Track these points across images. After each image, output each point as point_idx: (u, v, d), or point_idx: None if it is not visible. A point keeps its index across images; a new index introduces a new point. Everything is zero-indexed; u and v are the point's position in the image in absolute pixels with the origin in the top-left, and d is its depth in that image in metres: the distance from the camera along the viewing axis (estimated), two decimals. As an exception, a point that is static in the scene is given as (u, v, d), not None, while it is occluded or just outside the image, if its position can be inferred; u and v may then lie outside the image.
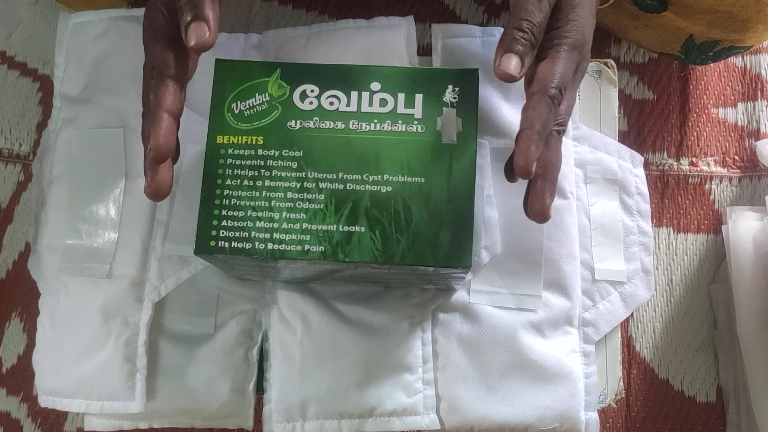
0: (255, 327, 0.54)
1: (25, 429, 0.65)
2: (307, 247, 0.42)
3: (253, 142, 0.44)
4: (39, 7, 0.71)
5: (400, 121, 0.44)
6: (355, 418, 0.51)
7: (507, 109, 0.54)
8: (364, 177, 0.43)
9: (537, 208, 0.43)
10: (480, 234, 0.52)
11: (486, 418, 0.51)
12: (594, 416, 0.53)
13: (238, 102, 0.44)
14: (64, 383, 0.52)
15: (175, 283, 0.52)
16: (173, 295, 0.53)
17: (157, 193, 0.42)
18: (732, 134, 0.70)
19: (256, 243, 0.42)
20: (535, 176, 0.42)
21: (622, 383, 0.57)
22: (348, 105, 0.44)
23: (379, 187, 0.43)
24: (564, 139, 0.56)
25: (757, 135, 0.70)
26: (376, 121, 0.44)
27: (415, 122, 0.44)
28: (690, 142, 0.70)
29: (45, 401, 0.54)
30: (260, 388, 0.54)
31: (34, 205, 0.60)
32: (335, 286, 0.53)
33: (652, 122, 0.70)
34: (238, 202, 0.43)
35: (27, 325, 0.66)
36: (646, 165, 0.65)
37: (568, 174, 0.55)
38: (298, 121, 0.44)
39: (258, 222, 0.43)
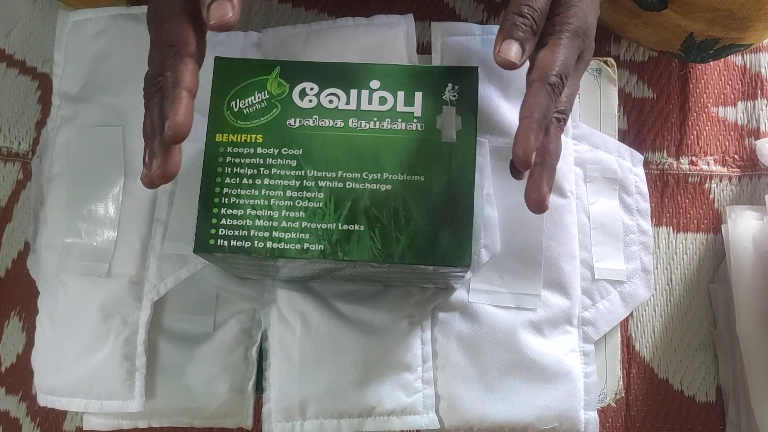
0: (254, 326, 0.54)
1: (24, 428, 0.65)
2: (306, 245, 0.42)
3: (253, 141, 0.44)
4: (38, 5, 0.71)
5: (399, 120, 0.44)
6: (354, 418, 0.51)
7: (507, 108, 0.54)
8: (364, 175, 0.43)
9: (534, 197, 0.41)
10: (479, 233, 0.52)
11: (485, 417, 0.51)
12: (593, 416, 0.53)
13: (238, 100, 0.44)
14: (63, 382, 0.52)
15: (174, 282, 0.52)
16: (172, 293, 0.53)
17: (166, 176, 0.40)
18: (732, 133, 0.70)
19: (256, 241, 0.42)
20: (534, 164, 0.41)
21: (621, 383, 0.57)
22: (347, 103, 0.44)
23: (378, 185, 0.43)
24: (564, 137, 0.56)
25: (756, 134, 0.70)
26: (375, 119, 0.44)
27: (415, 120, 0.44)
28: (690, 141, 0.70)
29: (44, 400, 0.53)
30: (259, 387, 0.54)
31: (33, 203, 0.60)
32: (334, 285, 0.53)
33: (652, 121, 0.70)
34: (237, 200, 0.43)
35: (26, 324, 0.66)
36: (646, 164, 0.65)
37: (568, 173, 0.55)
38: (298, 120, 0.44)
39: (257, 220, 0.43)
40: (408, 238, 0.42)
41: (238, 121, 0.44)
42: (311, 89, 0.44)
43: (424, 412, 0.51)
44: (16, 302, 0.66)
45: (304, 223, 0.42)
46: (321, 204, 0.43)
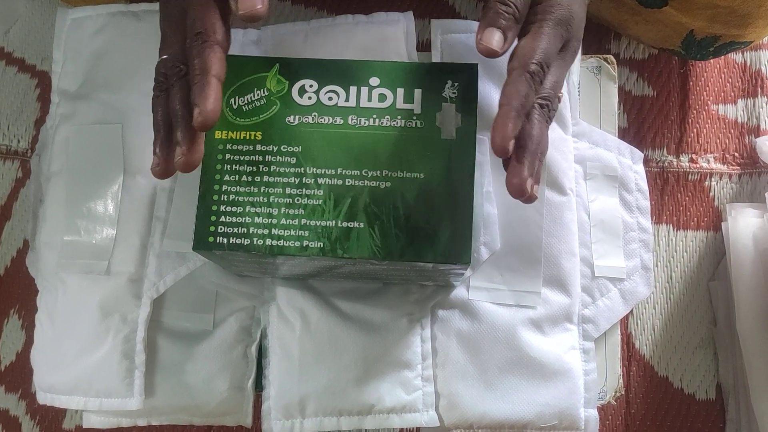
0: (254, 324, 0.54)
1: (24, 426, 0.65)
2: (305, 243, 0.42)
3: (252, 138, 0.44)
4: (37, 2, 0.71)
5: (399, 117, 0.44)
6: (354, 415, 0.51)
7: (506, 105, 0.54)
8: (363, 173, 0.43)
9: (515, 182, 0.40)
10: (479, 230, 0.52)
11: (485, 415, 0.51)
12: (593, 413, 0.53)
13: (237, 97, 0.44)
14: (62, 380, 0.52)
15: (173, 280, 0.52)
16: (172, 291, 0.53)
17: (191, 164, 0.40)
18: (732, 131, 0.70)
19: (255, 239, 0.42)
20: (514, 150, 0.40)
21: (621, 380, 0.57)
22: (347, 100, 0.44)
23: (378, 182, 0.43)
24: (564, 134, 0.56)
25: (757, 132, 0.70)
26: (375, 116, 0.44)
27: (414, 117, 0.44)
28: (690, 139, 0.70)
29: (43, 398, 0.53)
30: (259, 385, 0.54)
31: (32, 201, 0.60)
32: (334, 283, 0.53)
33: (652, 118, 0.70)
34: (236, 197, 0.43)
35: (25, 322, 0.66)
36: (646, 162, 0.64)
37: (568, 170, 0.55)
38: (297, 117, 0.44)
39: (256, 218, 0.42)
40: (407, 236, 0.42)
41: (238, 119, 0.44)
42: (310, 86, 0.44)
43: (423, 409, 0.51)
44: (16, 300, 0.66)
45: (303, 221, 0.42)
46: (320, 201, 0.43)
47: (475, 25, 0.57)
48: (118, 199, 0.53)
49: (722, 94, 0.71)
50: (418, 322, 0.52)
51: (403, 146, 0.43)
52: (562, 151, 0.55)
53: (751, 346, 0.60)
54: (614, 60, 0.61)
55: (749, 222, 0.64)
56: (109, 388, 0.51)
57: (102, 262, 0.52)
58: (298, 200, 0.43)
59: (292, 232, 0.42)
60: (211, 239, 0.42)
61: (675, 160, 0.69)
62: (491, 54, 0.41)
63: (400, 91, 0.44)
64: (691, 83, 0.71)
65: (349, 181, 0.43)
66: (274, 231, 0.42)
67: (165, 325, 0.53)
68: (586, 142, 0.58)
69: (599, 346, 0.56)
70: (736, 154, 0.70)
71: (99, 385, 0.51)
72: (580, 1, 0.45)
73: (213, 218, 0.43)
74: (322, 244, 0.42)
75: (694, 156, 0.69)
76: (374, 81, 0.44)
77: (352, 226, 0.42)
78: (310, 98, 0.44)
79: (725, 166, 0.69)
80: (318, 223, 0.42)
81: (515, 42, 0.43)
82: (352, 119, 0.44)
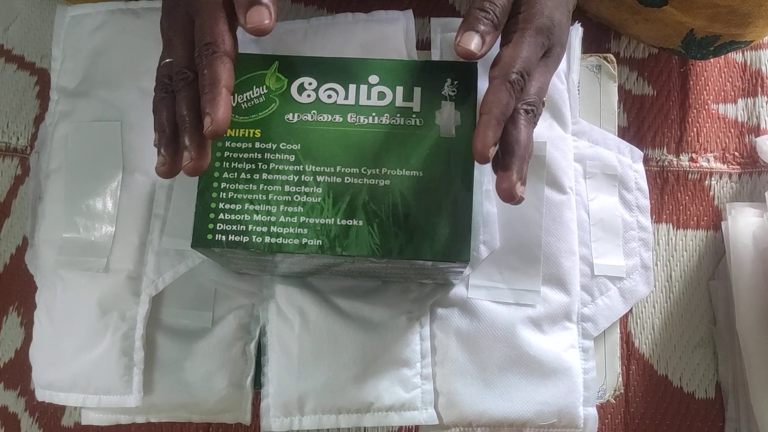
0: (252, 321, 0.54)
1: (23, 423, 0.65)
2: (304, 240, 0.42)
3: (251, 135, 0.44)
4: (36, 0, 0.71)
5: (398, 115, 0.44)
6: (352, 413, 0.51)
7: (506, 104, 0.54)
8: (362, 170, 0.43)
9: (504, 186, 0.41)
10: (479, 229, 0.52)
11: (484, 413, 0.51)
12: (593, 412, 0.53)
13: (236, 95, 0.44)
14: (61, 377, 0.52)
15: (172, 277, 0.52)
16: (170, 289, 0.53)
17: (199, 169, 0.41)
18: (732, 130, 0.70)
19: (253, 236, 0.42)
20: (502, 155, 0.41)
21: (620, 379, 0.57)
22: (346, 98, 0.44)
23: (377, 180, 0.43)
24: (563, 133, 0.56)
25: (757, 131, 0.70)
26: (374, 114, 0.44)
27: (414, 116, 0.44)
28: (690, 138, 0.70)
29: (42, 395, 0.53)
30: (258, 383, 0.54)
31: (31, 198, 0.60)
32: (333, 281, 0.53)
33: (652, 118, 0.70)
34: (235, 195, 0.43)
35: (24, 320, 0.66)
36: (646, 161, 0.64)
37: (567, 169, 0.55)
38: (296, 114, 0.44)
39: (255, 215, 0.42)
40: (406, 234, 0.42)
41: (237, 116, 0.44)
42: (310, 84, 0.44)
43: (422, 407, 0.51)
44: (15, 297, 0.66)
45: (302, 218, 0.42)
46: (319, 199, 0.42)
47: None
48: (117, 196, 0.53)
49: (722, 93, 0.71)
50: (417, 320, 0.52)
51: (403, 144, 0.43)
52: (561, 150, 0.55)
53: (751, 345, 0.60)
54: (614, 59, 0.61)
55: (749, 221, 0.64)
56: (107, 385, 0.51)
57: (101, 259, 0.52)
58: (297, 198, 0.43)
59: (291, 230, 0.42)
60: (209, 237, 0.42)
61: (675, 159, 0.69)
62: (469, 56, 0.42)
63: (400, 89, 0.44)
64: (691, 82, 0.71)
65: (348, 179, 0.43)
66: (273, 228, 0.42)
67: (164, 323, 0.53)
68: (586, 140, 0.58)
69: (599, 344, 0.56)
70: (736, 154, 0.70)
71: (97, 382, 0.51)
72: (563, 9, 0.45)
73: (212, 216, 0.42)
74: (321, 241, 0.42)
75: (694, 155, 0.69)
76: (373, 79, 0.44)
77: (351, 223, 0.42)
78: (309, 96, 0.44)
79: (725, 165, 0.69)
80: (317, 221, 0.42)
81: (495, 47, 0.44)
82: (351, 117, 0.44)
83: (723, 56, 0.70)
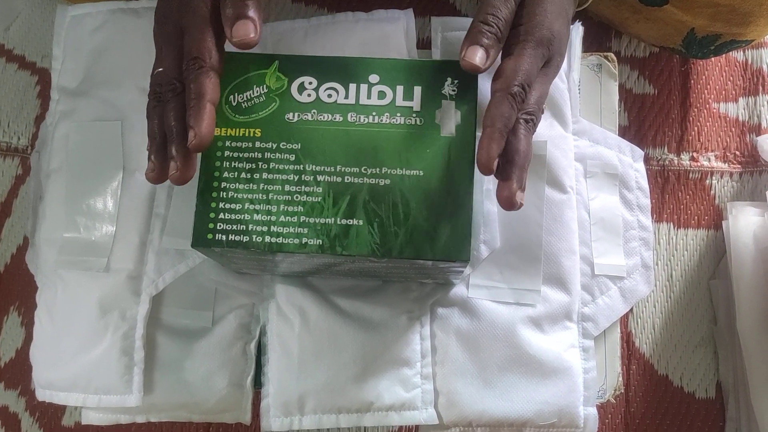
0: (253, 321, 0.54)
1: (23, 423, 0.65)
2: (304, 240, 0.42)
3: (251, 135, 0.44)
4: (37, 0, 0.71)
5: (398, 114, 0.44)
6: (353, 413, 0.51)
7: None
8: (363, 170, 0.43)
9: (505, 194, 0.42)
10: (479, 228, 0.52)
11: (484, 412, 0.51)
12: (593, 411, 0.53)
13: (236, 94, 0.44)
14: (61, 377, 0.52)
15: (172, 277, 0.52)
16: (171, 288, 0.53)
17: (185, 179, 0.42)
18: (733, 129, 0.70)
19: (254, 236, 0.42)
20: (503, 164, 0.43)
21: (621, 379, 0.57)
22: (346, 97, 0.44)
23: (377, 180, 0.43)
24: (564, 132, 0.56)
25: (758, 130, 0.70)
26: (374, 113, 0.44)
27: (414, 115, 0.44)
28: (691, 137, 0.70)
29: (42, 395, 0.53)
30: (258, 383, 0.54)
31: (32, 198, 0.60)
32: (333, 280, 0.53)
33: (653, 117, 0.70)
34: (235, 194, 0.43)
35: (25, 319, 0.66)
36: (647, 160, 0.64)
37: (568, 168, 0.55)
38: (296, 114, 0.44)
39: (255, 215, 0.42)
40: (407, 233, 0.42)
41: (237, 116, 0.44)
42: (310, 83, 0.44)
43: (422, 407, 0.51)
44: (15, 297, 0.66)
45: (302, 218, 0.42)
46: (319, 198, 0.42)
47: (476, 22, 0.57)
48: (118, 196, 0.53)
49: (723, 92, 0.71)
50: (417, 319, 0.52)
51: (403, 143, 0.43)
52: (562, 149, 0.55)
53: (752, 344, 0.60)
54: (615, 58, 0.61)
55: (750, 220, 0.64)
56: (107, 385, 0.51)
57: (101, 259, 0.52)
58: (297, 197, 0.43)
59: (291, 230, 0.42)
60: (210, 236, 0.42)
61: (676, 158, 0.69)
62: (474, 70, 0.43)
63: (400, 89, 0.44)
64: (692, 81, 0.71)
65: (348, 179, 0.43)
66: (273, 228, 0.42)
67: (164, 322, 0.53)
68: (587, 140, 0.58)
69: (599, 344, 0.56)
70: (737, 153, 0.70)
71: (98, 381, 0.51)
72: (563, 19, 0.46)
73: (212, 215, 0.42)
74: (321, 241, 0.42)
75: (694, 154, 0.69)
76: (374, 78, 0.44)
77: (351, 223, 0.42)
78: (309, 95, 0.44)
79: (726, 164, 0.69)
80: (317, 221, 0.42)
81: (498, 59, 0.45)
82: (351, 116, 0.44)
83: (724, 55, 0.70)
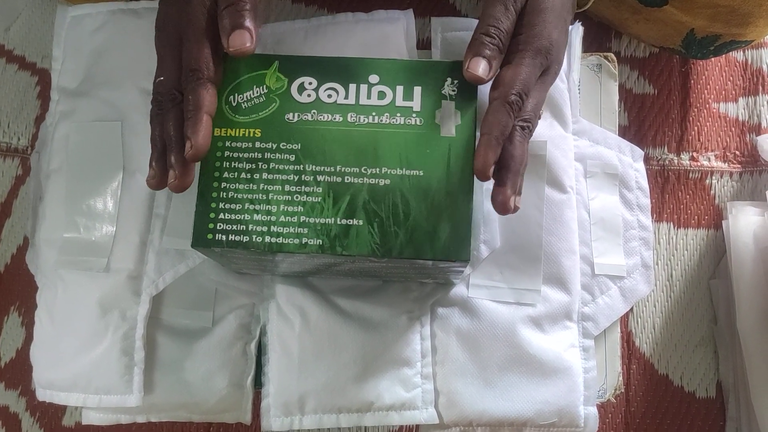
0: (253, 321, 0.54)
1: (24, 423, 0.65)
2: (304, 240, 0.42)
3: (251, 135, 0.44)
4: (37, 0, 0.71)
5: (398, 114, 0.44)
6: (353, 413, 0.51)
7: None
8: (363, 170, 0.43)
9: (499, 200, 0.43)
10: (479, 228, 0.52)
11: (485, 412, 0.51)
12: (593, 411, 0.53)
13: (236, 94, 0.44)
14: (61, 377, 0.52)
15: (172, 277, 0.52)
16: (171, 289, 0.53)
17: (183, 187, 0.43)
18: (733, 129, 0.70)
19: (254, 236, 0.42)
20: (498, 170, 0.43)
21: (621, 378, 0.57)
22: (346, 98, 0.44)
23: (377, 180, 0.43)
24: (564, 132, 0.56)
25: (758, 130, 0.70)
26: (374, 113, 0.44)
27: (414, 115, 0.44)
28: (690, 137, 0.70)
29: (42, 395, 0.53)
30: (258, 383, 0.54)
31: (32, 198, 0.60)
32: (334, 281, 0.53)
33: (653, 117, 0.70)
34: (235, 195, 0.43)
35: (25, 319, 0.66)
36: (647, 160, 0.64)
37: (568, 168, 0.55)
38: (296, 114, 0.44)
39: (255, 215, 0.42)
40: (407, 233, 0.42)
41: (237, 116, 0.44)
42: (310, 84, 0.44)
43: (423, 407, 0.51)
44: (16, 297, 0.66)
45: (302, 218, 0.42)
46: (319, 198, 0.42)
47: (476, 23, 0.57)
48: (118, 196, 0.53)
49: (723, 92, 0.71)
50: (417, 319, 0.52)
51: (403, 144, 0.43)
52: (562, 149, 0.55)
53: (752, 344, 0.60)
54: (615, 58, 0.61)
55: (750, 220, 0.64)
56: (108, 385, 0.51)
57: (101, 259, 0.52)
58: (297, 197, 0.43)
59: (291, 230, 0.42)
60: (210, 236, 0.42)
61: (676, 158, 0.69)
62: (478, 81, 0.44)
63: (400, 89, 0.44)
64: (692, 81, 0.71)
65: (348, 179, 0.43)
66: (273, 228, 0.42)
67: (164, 323, 0.53)
68: (587, 140, 0.58)
69: (599, 343, 0.56)
70: (737, 152, 0.70)
71: (98, 381, 0.51)
72: (561, 28, 0.47)
73: (212, 215, 0.43)
74: (321, 241, 0.42)
75: (694, 154, 0.69)
76: (374, 78, 0.44)
77: (351, 223, 0.42)
78: (309, 96, 0.44)
79: (726, 164, 0.69)
80: (317, 221, 0.42)
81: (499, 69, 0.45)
82: (351, 117, 0.44)
83: (724, 55, 0.70)
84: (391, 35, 0.56)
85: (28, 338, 0.64)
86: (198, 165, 0.44)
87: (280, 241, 0.42)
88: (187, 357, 0.52)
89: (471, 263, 0.51)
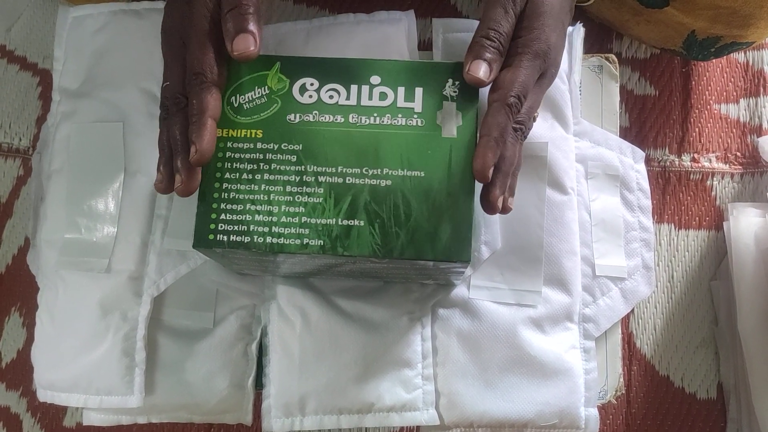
0: (254, 322, 0.54)
1: (25, 423, 0.65)
2: (306, 240, 0.42)
3: (253, 136, 0.44)
4: (39, 1, 0.71)
5: (399, 115, 0.44)
6: (354, 414, 0.51)
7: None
8: (364, 171, 0.43)
9: (486, 199, 0.44)
10: (480, 229, 0.52)
11: (485, 413, 0.51)
12: (594, 412, 0.53)
13: (238, 95, 0.44)
14: (62, 377, 0.52)
15: (174, 278, 0.52)
16: (172, 289, 0.53)
17: (190, 191, 0.43)
18: (734, 130, 0.70)
19: (255, 237, 0.42)
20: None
21: (622, 379, 0.57)
22: (348, 99, 0.44)
23: (378, 180, 0.43)
24: (565, 134, 0.56)
25: (759, 131, 0.70)
26: (375, 114, 0.44)
27: (415, 116, 0.44)
28: (692, 138, 0.70)
29: (43, 396, 0.53)
30: (259, 383, 0.54)
31: (33, 199, 0.60)
32: (335, 281, 0.53)
33: (654, 118, 0.70)
34: (237, 195, 0.43)
35: (26, 320, 0.66)
36: (648, 161, 0.64)
37: (569, 169, 0.55)
38: (298, 115, 0.44)
39: (257, 216, 0.42)
40: (408, 234, 0.42)
41: (238, 117, 0.44)
42: (311, 85, 0.44)
43: (423, 408, 0.51)
44: (17, 298, 0.66)
45: (303, 219, 0.42)
46: (321, 199, 0.43)
47: (476, 24, 0.57)
48: (119, 197, 0.53)
49: (724, 93, 0.71)
50: (418, 320, 0.52)
51: (404, 144, 0.43)
52: (563, 150, 0.55)
53: (753, 345, 0.60)
54: (616, 59, 0.61)
55: (751, 221, 0.64)
56: (109, 385, 0.51)
57: (102, 260, 0.52)
58: (298, 198, 0.43)
59: (293, 230, 0.42)
60: (211, 237, 0.42)
61: (677, 159, 0.69)
62: (479, 84, 0.44)
63: (401, 90, 0.44)
64: (693, 82, 0.71)
65: (349, 179, 0.43)
66: (275, 229, 0.42)
67: (165, 323, 0.53)
68: (588, 141, 0.58)
69: (600, 345, 0.56)
70: (738, 154, 0.70)
71: (99, 382, 0.51)
72: (559, 31, 0.47)
73: (213, 216, 0.43)
74: (322, 242, 0.42)
75: (695, 155, 0.69)
76: (375, 79, 0.44)
77: (352, 224, 0.42)
78: (311, 96, 0.44)
79: (727, 165, 0.69)
80: (318, 221, 0.42)
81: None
82: (352, 117, 0.44)
83: (725, 56, 0.70)
84: (393, 36, 0.56)
85: (29, 339, 0.64)
86: None
87: (282, 242, 0.42)
88: (188, 358, 0.52)
89: (472, 264, 0.51)
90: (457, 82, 0.44)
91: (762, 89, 0.71)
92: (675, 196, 0.68)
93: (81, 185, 0.53)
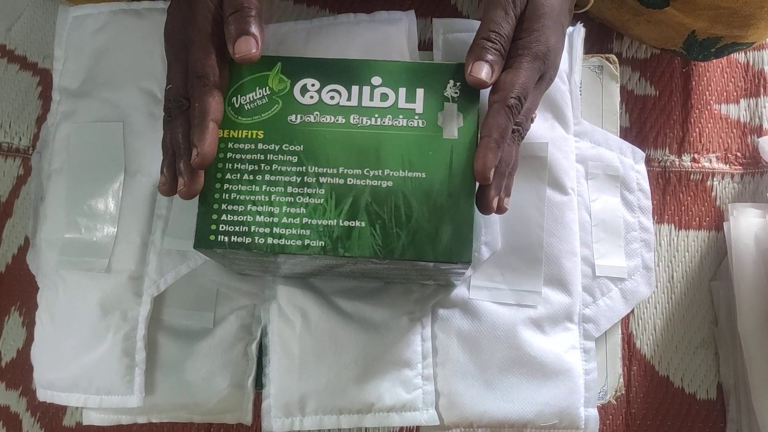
0: (254, 322, 0.54)
1: (24, 423, 0.65)
2: (306, 241, 0.42)
3: (254, 137, 0.44)
4: (39, 0, 0.71)
5: (401, 116, 0.44)
6: (353, 414, 0.51)
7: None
8: (365, 172, 0.43)
9: (484, 200, 0.44)
10: (480, 230, 0.52)
11: (485, 414, 0.51)
12: (594, 413, 0.53)
13: (239, 96, 0.44)
14: (62, 377, 0.52)
15: (174, 278, 0.52)
16: (172, 289, 0.53)
17: (192, 194, 0.43)
18: (734, 131, 0.70)
19: (256, 237, 0.42)
20: None
21: (622, 380, 0.57)
22: (349, 99, 0.44)
23: (379, 181, 0.43)
24: (565, 134, 0.56)
25: (759, 131, 0.70)
26: (376, 115, 0.44)
27: (416, 117, 0.44)
28: (692, 139, 0.70)
29: (43, 395, 0.53)
30: (259, 383, 0.54)
31: (33, 199, 0.60)
32: (335, 282, 0.53)
33: (654, 118, 0.70)
34: (237, 196, 0.43)
35: (26, 320, 0.66)
36: (648, 161, 0.64)
37: (569, 170, 0.55)
38: (299, 116, 0.44)
39: (258, 216, 0.42)
40: (408, 234, 0.42)
41: (239, 117, 0.44)
42: (312, 85, 0.44)
43: (423, 408, 0.51)
44: (17, 297, 0.66)
45: (304, 219, 0.42)
46: (322, 200, 0.43)
47: (477, 24, 0.57)
48: (119, 196, 0.53)
49: (725, 93, 0.71)
50: (418, 321, 0.52)
51: (405, 145, 0.43)
52: (563, 151, 0.55)
53: (752, 346, 0.60)
54: (616, 59, 0.61)
55: (751, 222, 0.64)
56: (109, 385, 0.51)
57: (102, 259, 0.52)
58: (299, 199, 0.43)
59: (294, 231, 0.42)
60: (212, 237, 0.42)
61: (677, 159, 0.69)
62: (481, 85, 0.44)
63: (402, 91, 0.44)
64: (693, 83, 0.71)
65: (350, 180, 0.43)
66: (276, 230, 0.42)
67: (165, 323, 0.53)
68: (588, 141, 0.58)
69: (600, 345, 0.56)
70: (739, 154, 0.70)
71: (99, 382, 0.51)
72: (559, 33, 0.48)
73: (214, 216, 0.43)
74: (323, 242, 0.42)
75: (696, 156, 0.69)
76: (376, 80, 0.44)
77: (353, 225, 0.42)
78: (312, 97, 0.44)
79: (727, 165, 0.69)
80: (319, 222, 0.42)
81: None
82: (353, 118, 0.44)
83: (725, 56, 0.70)
84: (393, 36, 0.56)
85: (29, 338, 0.64)
86: None
87: (283, 243, 0.42)
88: (188, 358, 0.52)
89: (472, 265, 0.51)
90: (458, 84, 0.44)
91: (762, 89, 0.71)
92: (675, 197, 0.68)
93: (81, 185, 0.53)
